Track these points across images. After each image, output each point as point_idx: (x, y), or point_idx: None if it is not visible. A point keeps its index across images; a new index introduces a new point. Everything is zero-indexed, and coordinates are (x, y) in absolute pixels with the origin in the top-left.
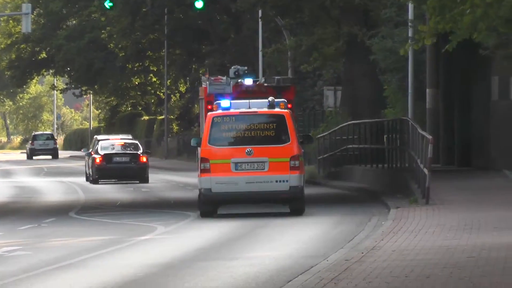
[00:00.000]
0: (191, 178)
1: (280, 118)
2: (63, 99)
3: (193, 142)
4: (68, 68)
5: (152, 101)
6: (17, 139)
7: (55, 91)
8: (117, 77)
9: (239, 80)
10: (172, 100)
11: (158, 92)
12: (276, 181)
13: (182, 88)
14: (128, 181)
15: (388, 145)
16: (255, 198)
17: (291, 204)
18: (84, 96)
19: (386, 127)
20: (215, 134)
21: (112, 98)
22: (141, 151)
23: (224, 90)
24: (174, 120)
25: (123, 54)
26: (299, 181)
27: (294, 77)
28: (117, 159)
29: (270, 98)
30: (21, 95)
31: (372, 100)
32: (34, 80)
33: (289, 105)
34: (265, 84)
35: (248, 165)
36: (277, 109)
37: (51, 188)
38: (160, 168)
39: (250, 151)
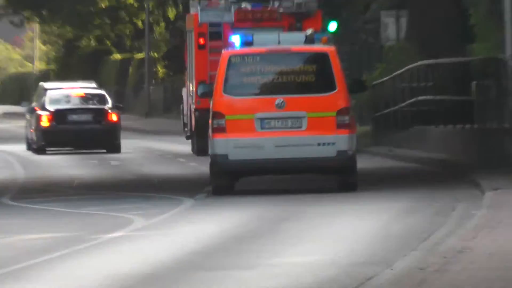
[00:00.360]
0: (183, 145)
1: (322, 57)
2: None
3: (200, 89)
4: None
5: (127, 32)
6: None
7: None
8: None
9: (243, 4)
10: (157, 31)
11: (135, 20)
12: (318, 144)
13: (171, 14)
14: (90, 150)
15: (479, 96)
16: (288, 167)
17: (339, 177)
18: (27, 26)
19: (475, 70)
20: (233, 80)
21: (67, 29)
22: (109, 105)
23: (223, 18)
24: (159, 60)
25: None
26: (350, 144)
27: (314, 0)
28: (74, 117)
29: (309, 31)
30: None
31: (452, 31)
32: None
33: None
34: (280, 10)
35: (278, 121)
36: (318, 45)
37: None
38: (138, 131)
39: (282, 103)
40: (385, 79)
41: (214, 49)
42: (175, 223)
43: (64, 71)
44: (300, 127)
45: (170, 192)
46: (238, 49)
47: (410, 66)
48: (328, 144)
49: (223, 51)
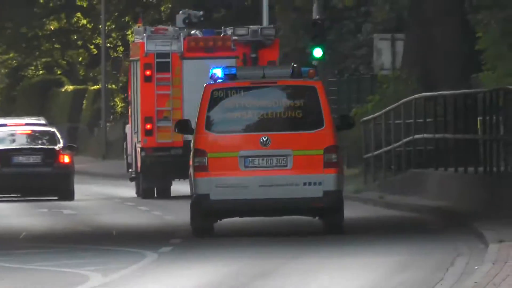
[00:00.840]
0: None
1: (310, 92)
2: None
3: (177, 127)
4: None
5: (80, 59)
6: None
7: None
8: (20, 19)
9: (192, 32)
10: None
11: (89, 45)
12: (304, 184)
13: (131, 38)
14: (39, 197)
15: (485, 134)
16: (273, 208)
17: (325, 218)
18: None
19: (481, 104)
20: (216, 116)
21: (11, 55)
22: (61, 145)
23: (171, 47)
24: (117, 91)
25: None
26: (338, 184)
27: (271, 27)
28: (20, 159)
29: (294, 64)
30: None
31: (457, 57)
32: None
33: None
34: (234, 38)
35: (263, 160)
36: (305, 79)
37: None
38: (94, 175)
39: (267, 140)
40: (377, 114)
41: (161, 81)
42: (136, 279)
43: (8, 104)
44: (286, 165)
45: (131, 245)
46: (219, 82)
47: (406, 99)
48: (315, 184)
49: (205, 85)
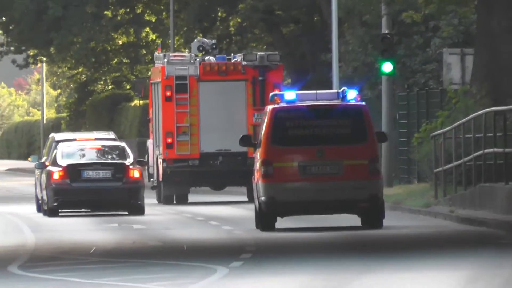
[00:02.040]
0: (216, 206)
1: (356, 112)
2: None
3: (242, 141)
4: (3, 18)
5: (149, 74)
6: None
7: None
8: (89, 33)
9: (206, 57)
10: None
11: None
12: (353, 188)
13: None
14: (109, 212)
15: None
16: (326, 207)
17: (368, 216)
18: (33, 67)
19: None
20: (279, 132)
21: (80, 69)
22: (130, 159)
23: (189, 71)
24: None
25: None
26: (379, 188)
27: (277, 54)
28: (90, 173)
29: (343, 89)
30: None
31: None
32: None
33: (276, 90)
34: (244, 63)
35: (318, 168)
36: (352, 101)
37: None
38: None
39: (321, 152)
40: (447, 129)
41: (180, 101)
42: None
43: (78, 119)
44: (337, 173)
45: (202, 259)
46: (282, 104)
47: (476, 113)
48: (362, 188)
49: (268, 108)
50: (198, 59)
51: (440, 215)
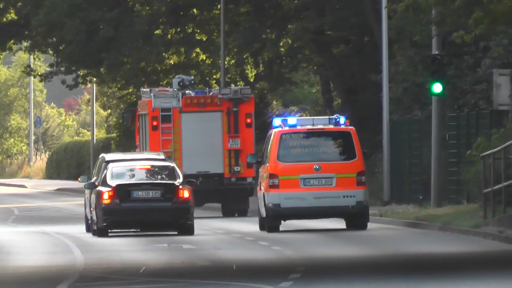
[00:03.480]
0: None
1: (346, 134)
2: (45, 91)
3: (250, 158)
4: (54, 38)
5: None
6: None
7: (32, 78)
8: (139, 54)
9: (187, 92)
10: None
11: (209, 80)
12: (344, 196)
13: (251, 73)
14: (159, 232)
15: None
16: (322, 213)
17: (356, 219)
18: (82, 87)
19: None
20: (284, 151)
21: (130, 90)
22: (180, 179)
23: (172, 103)
24: None
25: (148, 11)
26: (365, 197)
27: (248, 88)
28: (140, 193)
29: (335, 115)
30: None
31: None
32: None
33: (248, 120)
34: (220, 96)
35: (316, 180)
36: (343, 126)
37: (27, 244)
38: (214, 209)
39: (318, 167)
40: (497, 149)
41: (165, 130)
42: None
43: (128, 140)
44: (331, 184)
45: (251, 279)
46: (286, 128)
47: None
48: (351, 196)
49: (273, 131)
50: (180, 93)
51: (489, 236)
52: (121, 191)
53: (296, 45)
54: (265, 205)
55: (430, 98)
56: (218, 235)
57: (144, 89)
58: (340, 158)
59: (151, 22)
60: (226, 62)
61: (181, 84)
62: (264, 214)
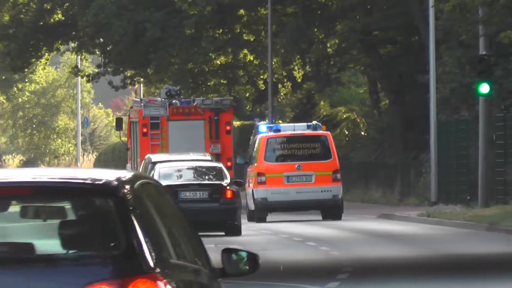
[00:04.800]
0: (314, 227)
1: (323, 138)
2: (93, 91)
3: (240, 159)
4: (102, 39)
5: (247, 95)
6: (14, 161)
7: (80, 78)
8: (186, 54)
9: (174, 101)
10: (282, 93)
11: (257, 80)
12: (321, 191)
13: (298, 74)
14: (206, 232)
15: None
16: (303, 205)
17: (332, 211)
18: (130, 87)
19: None
20: (269, 153)
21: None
22: (227, 180)
23: (160, 112)
24: None
25: (196, 12)
26: (340, 191)
27: (228, 99)
28: (187, 194)
29: (314, 122)
30: (20, 86)
31: None
32: (42, 61)
33: (228, 127)
34: (202, 106)
35: (297, 178)
36: (320, 131)
37: None
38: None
39: (299, 166)
40: None
41: (154, 136)
42: None
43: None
44: (311, 180)
45: (298, 280)
46: (272, 134)
47: None
48: (327, 191)
49: (260, 136)
50: (167, 103)
51: None
52: (169, 192)
53: (343, 45)
54: (254, 199)
55: (477, 98)
56: (266, 235)
57: (135, 99)
58: (318, 158)
59: (199, 23)
60: (273, 63)
61: (168, 94)
62: (252, 207)
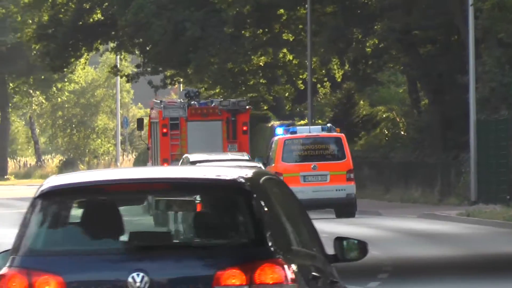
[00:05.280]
0: (351, 226)
1: (338, 140)
2: (132, 91)
3: (257, 161)
4: (141, 39)
5: (287, 94)
6: (53, 161)
7: (119, 78)
8: (226, 54)
9: (192, 102)
10: (321, 92)
11: (296, 80)
12: (336, 190)
13: (338, 73)
14: None
15: None
16: (319, 204)
17: (346, 209)
18: (169, 87)
19: None
20: (286, 154)
21: (217, 90)
22: None
23: (179, 113)
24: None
25: (235, 11)
26: (353, 190)
27: (244, 100)
28: None
29: (328, 125)
30: (60, 85)
31: None
32: (81, 60)
33: (244, 128)
34: (220, 107)
35: (313, 177)
36: (334, 133)
37: None
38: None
39: (315, 166)
40: None
41: (173, 136)
42: None
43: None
44: (326, 180)
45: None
46: (289, 135)
47: None
48: (342, 190)
49: (278, 137)
50: (186, 104)
51: None
52: None
53: (382, 45)
54: None
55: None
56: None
57: (155, 100)
58: (332, 159)
59: (238, 22)
60: (312, 62)
61: (187, 95)
62: None
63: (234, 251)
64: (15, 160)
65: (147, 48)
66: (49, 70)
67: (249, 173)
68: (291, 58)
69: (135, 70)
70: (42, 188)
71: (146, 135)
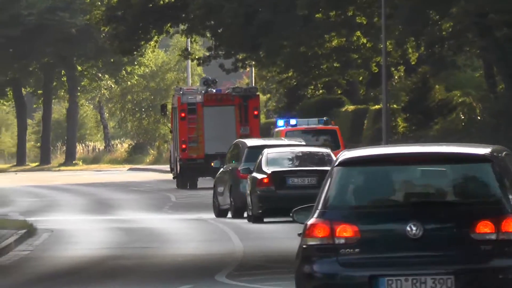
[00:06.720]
0: None
1: (333, 131)
2: (203, 75)
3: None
4: (213, 22)
5: (361, 78)
6: (122, 146)
7: (190, 62)
8: (298, 37)
9: (209, 89)
10: (395, 76)
11: (370, 63)
12: None
13: (412, 56)
14: None
15: None
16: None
17: None
18: (241, 71)
19: None
20: None
21: (290, 74)
22: None
23: (196, 99)
24: (399, 111)
25: None
26: None
27: (255, 87)
28: (295, 181)
29: (325, 118)
30: (129, 69)
31: None
32: (151, 43)
33: (255, 112)
34: (233, 93)
35: None
36: (330, 126)
37: (185, 231)
38: None
39: None
40: None
41: (191, 120)
42: None
43: None
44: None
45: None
46: (290, 127)
47: None
48: None
49: (279, 129)
50: (203, 91)
51: None
52: (277, 178)
53: (458, 28)
54: None
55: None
56: None
57: (176, 87)
58: (328, 148)
59: (311, 5)
60: (387, 45)
61: (205, 82)
62: None
63: (485, 207)
64: (83, 145)
65: (219, 31)
66: (118, 53)
67: (493, 148)
68: (365, 41)
69: (206, 53)
70: (340, 159)
71: (170, 119)
